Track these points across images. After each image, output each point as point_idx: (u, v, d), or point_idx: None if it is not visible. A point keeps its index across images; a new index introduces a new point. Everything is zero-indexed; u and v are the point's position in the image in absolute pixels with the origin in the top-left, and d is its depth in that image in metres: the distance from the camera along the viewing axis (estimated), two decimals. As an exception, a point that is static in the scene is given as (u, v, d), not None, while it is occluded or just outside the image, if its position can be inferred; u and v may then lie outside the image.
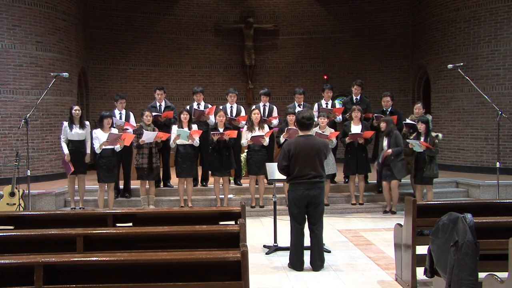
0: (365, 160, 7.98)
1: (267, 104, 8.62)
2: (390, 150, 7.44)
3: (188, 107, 8.38)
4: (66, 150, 7.58)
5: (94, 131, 7.58)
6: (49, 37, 9.83)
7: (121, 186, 8.33)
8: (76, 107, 7.76)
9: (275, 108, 8.70)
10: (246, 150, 8.28)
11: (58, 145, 8.45)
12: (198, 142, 7.73)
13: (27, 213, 5.68)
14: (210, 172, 8.15)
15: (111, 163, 7.49)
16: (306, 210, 5.13)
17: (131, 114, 8.47)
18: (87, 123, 7.91)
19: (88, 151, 7.74)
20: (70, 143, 7.64)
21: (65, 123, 7.72)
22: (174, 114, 8.24)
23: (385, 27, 12.86)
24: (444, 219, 3.57)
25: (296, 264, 5.13)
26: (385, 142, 7.58)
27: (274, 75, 13.49)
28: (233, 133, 7.64)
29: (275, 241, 5.93)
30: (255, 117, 7.76)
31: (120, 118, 8.23)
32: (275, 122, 8.45)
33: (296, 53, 13.48)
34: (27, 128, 7.09)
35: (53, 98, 9.75)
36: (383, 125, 7.61)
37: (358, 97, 8.64)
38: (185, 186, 7.83)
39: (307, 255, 5.18)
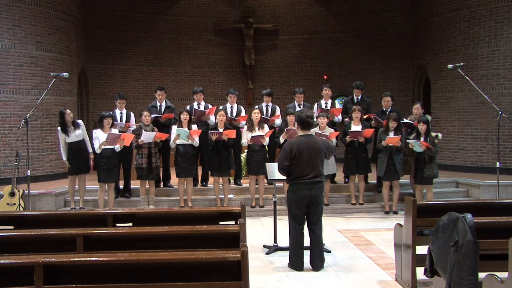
0: (365, 160, 7.98)
1: (270, 104, 8.62)
2: (399, 142, 7.44)
3: (188, 107, 8.38)
4: (65, 157, 7.69)
5: (94, 131, 7.59)
6: (49, 37, 9.83)
7: (121, 186, 8.33)
8: (68, 111, 7.69)
9: (277, 108, 8.71)
10: (246, 150, 8.28)
11: (58, 145, 8.46)
12: (198, 142, 7.73)
13: (27, 213, 5.68)
14: (209, 172, 8.15)
15: (112, 163, 7.49)
16: (306, 210, 5.14)
17: (132, 114, 8.47)
18: (80, 121, 7.90)
19: (91, 150, 7.74)
20: (69, 145, 7.65)
21: (59, 129, 7.71)
22: (175, 114, 8.23)
23: (385, 27, 12.86)
24: (444, 219, 3.57)
25: (296, 264, 5.13)
26: (391, 136, 7.56)
27: (274, 75, 13.49)
28: (232, 133, 7.63)
29: (275, 241, 5.93)
30: (255, 117, 7.76)
31: (121, 118, 8.23)
32: (277, 121, 8.44)
33: (296, 53, 13.48)
34: (27, 128, 7.09)
35: (53, 98, 9.76)
36: (393, 123, 7.58)
37: (359, 97, 8.64)
38: (185, 186, 7.83)
39: (307, 255, 5.18)
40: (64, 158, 7.72)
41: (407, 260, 4.40)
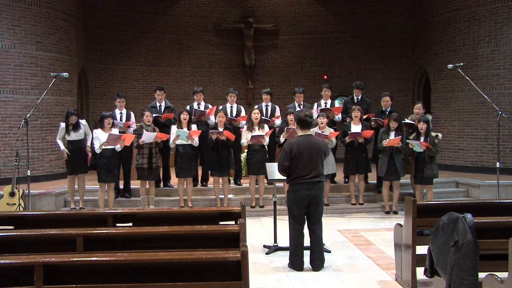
0: (365, 160, 7.98)
1: (270, 104, 8.62)
2: (400, 142, 7.43)
3: (188, 107, 8.38)
4: (62, 146, 7.71)
5: (95, 131, 7.60)
6: (49, 37, 9.82)
7: (121, 186, 8.33)
8: (73, 117, 7.65)
9: (277, 108, 8.70)
10: (246, 150, 8.28)
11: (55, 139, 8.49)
12: (198, 142, 7.73)
13: (27, 213, 5.68)
14: (209, 172, 8.16)
15: (112, 163, 7.49)
16: (306, 210, 5.14)
17: (132, 114, 8.47)
18: (83, 122, 7.90)
19: (88, 143, 7.76)
20: (69, 143, 7.69)
21: (62, 125, 7.74)
22: (174, 114, 8.23)
23: (385, 27, 12.86)
24: (444, 219, 3.57)
25: (296, 264, 5.13)
26: (392, 136, 7.55)
27: (274, 75, 13.49)
28: (232, 136, 7.63)
29: (275, 241, 5.93)
30: (255, 117, 7.76)
31: (121, 118, 8.23)
32: (277, 122, 8.44)
33: (296, 53, 13.47)
34: (27, 128, 7.09)
35: (53, 98, 9.76)
36: (394, 124, 7.56)
37: (359, 97, 8.64)
38: (185, 186, 7.83)
39: (307, 255, 5.18)
40: (62, 148, 7.68)
41: (407, 260, 4.40)
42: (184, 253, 3.17)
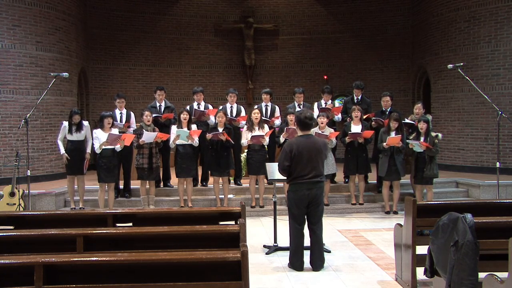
0: (365, 160, 7.98)
1: (269, 104, 8.61)
2: (400, 142, 7.42)
3: (188, 107, 8.38)
4: (62, 150, 7.72)
5: (95, 131, 7.60)
6: (49, 37, 9.83)
7: (121, 186, 8.33)
8: (76, 116, 7.71)
9: (277, 108, 8.70)
10: (246, 150, 8.28)
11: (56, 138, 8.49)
12: (198, 142, 7.73)
13: (27, 213, 5.67)
14: (209, 172, 8.16)
15: (112, 163, 7.49)
16: (306, 210, 5.14)
17: (132, 114, 8.47)
18: (86, 123, 7.91)
19: (89, 150, 7.77)
20: (69, 143, 7.70)
21: (65, 123, 7.75)
22: (174, 114, 8.23)
23: (385, 27, 12.86)
24: (444, 219, 3.57)
25: (296, 264, 5.13)
26: (392, 136, 7.55)
27: (274, 75, 13.49)
28: (229, 137, 7.63)
29: (275, 241, 5.93)
30: (255, 117, 7.76)
31: (121, 118, 8.23)
32: (277, 122, 8.44)
33: (296, 53, 13.48)
34: (27, 128, 7.09)
35: (53, 98, 9.76)
36: (394, 123, 7.55)
37: (359, 97, 8.64)
38: (185, 186, 7.83)
39: (307, 255, 5.18)
40: (62, 152, 7.69)
41: (407, 260, 4.40)
42: (184, 253, 3.18)
